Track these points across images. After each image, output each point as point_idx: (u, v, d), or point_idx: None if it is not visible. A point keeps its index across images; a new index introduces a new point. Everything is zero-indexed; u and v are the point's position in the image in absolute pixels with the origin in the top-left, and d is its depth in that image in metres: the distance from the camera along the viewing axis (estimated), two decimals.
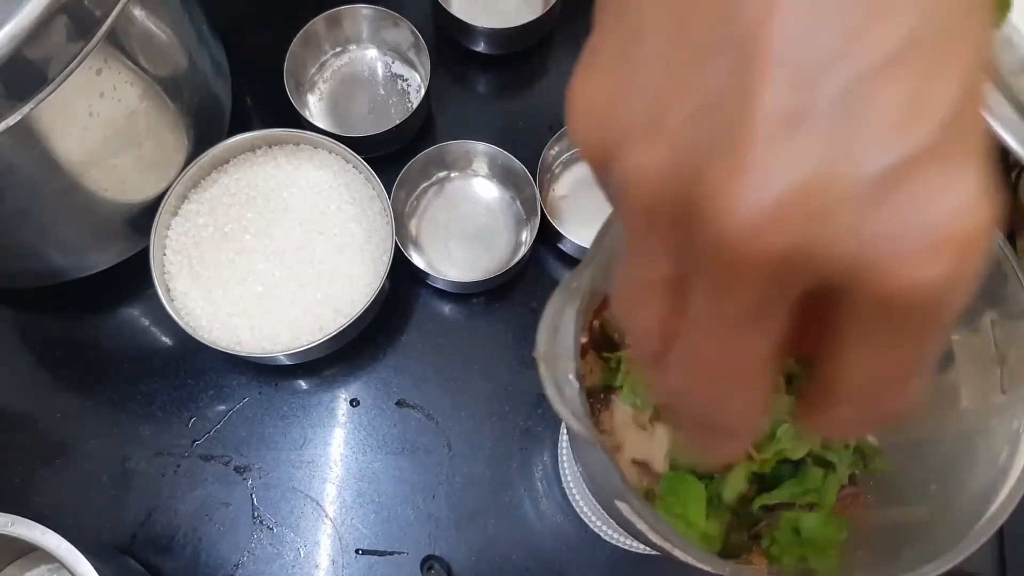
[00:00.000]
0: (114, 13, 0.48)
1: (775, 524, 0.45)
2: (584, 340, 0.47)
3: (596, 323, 0.48)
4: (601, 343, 0.48)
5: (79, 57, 0.48)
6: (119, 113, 0.55)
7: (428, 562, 0.63)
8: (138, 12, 0.54)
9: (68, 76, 0.48)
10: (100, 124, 0.54)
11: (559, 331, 0.37)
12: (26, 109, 0.47)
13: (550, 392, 0.36)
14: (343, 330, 0.61)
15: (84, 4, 0.47)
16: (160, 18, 0.57)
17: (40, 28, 0.44)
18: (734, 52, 0.19)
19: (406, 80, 0.74)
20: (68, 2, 0.45)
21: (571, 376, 0.37)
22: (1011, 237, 0.69)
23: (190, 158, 0.64)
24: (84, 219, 0.62)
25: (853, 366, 0.22)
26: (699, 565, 0.38)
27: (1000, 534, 0.64)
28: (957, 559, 0.37)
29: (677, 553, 0.39)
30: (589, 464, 0.46)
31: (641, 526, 0.39)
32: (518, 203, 0.71)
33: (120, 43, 0.53)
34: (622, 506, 0.39)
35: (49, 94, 0.47)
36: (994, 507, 0.37)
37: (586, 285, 0.38)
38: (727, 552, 0.46)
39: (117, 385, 0.68)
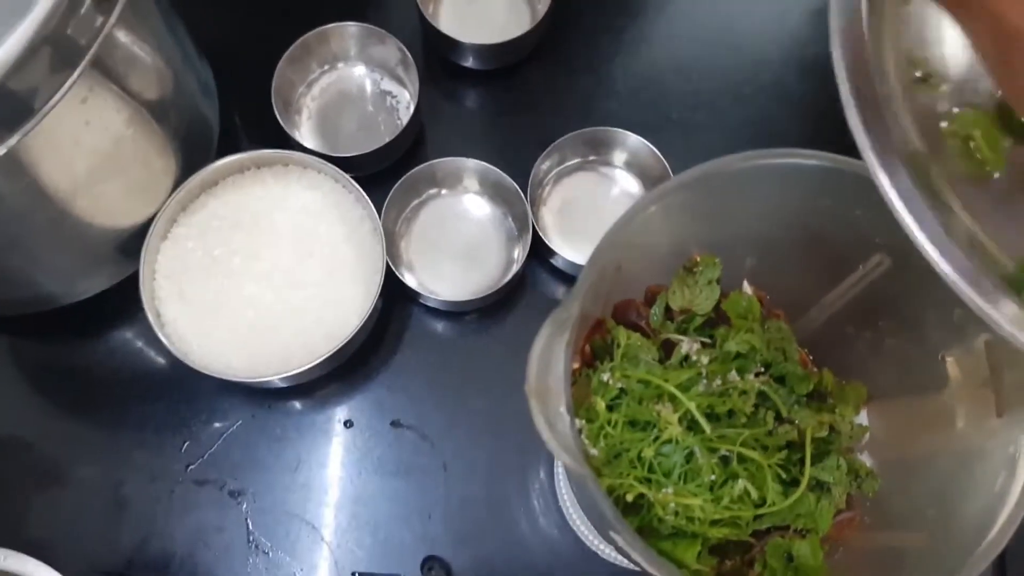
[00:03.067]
0: (98, 42, 0.48)
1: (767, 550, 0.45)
2: (576, 366, 0.47)
3: (588, 347, 0.48)
4: (593, 365, 0.48)
5: (64, 87, 0.47)
6: (106, 140, 0.55)
7: (428, 563, 0.63)
8: (122, 38, 0.54)
9: (54, 106, 0.47)
10: (87, 152, 0.54)
11: (549, 364, 0.37)
12: (12, 141, 0.46)
13: (541, 427, 0.36)
14: (336, 352, 0.61)
15: (67, 34, 0.46)
16: (145, 42, 0.57)
17: (24, 60, 0.44)
18: None
19: (395, 97, 0.73)
20: (51, 33, 0.45)
21: (562, 409, 0.37)
22: None
23: (178, 181, 0.64)
24: (73, 246, 0.61)
25: None
26: None
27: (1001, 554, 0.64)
28: None
29: None
30: (583, 496, 0.46)
31: (635, 557, 0.38)
32: (510, 219, 0.70)
33: (106, 69, 0.53)
34: (615, 537, 0.39)
35: (35, 125, 0.47)
36: (992, 534, 0.37)
37: (575, 316, 0.38)
38: None
39: (110, 410, 0.67)
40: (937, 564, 0.38)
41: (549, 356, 0.37)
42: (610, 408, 0.44)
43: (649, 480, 0.42)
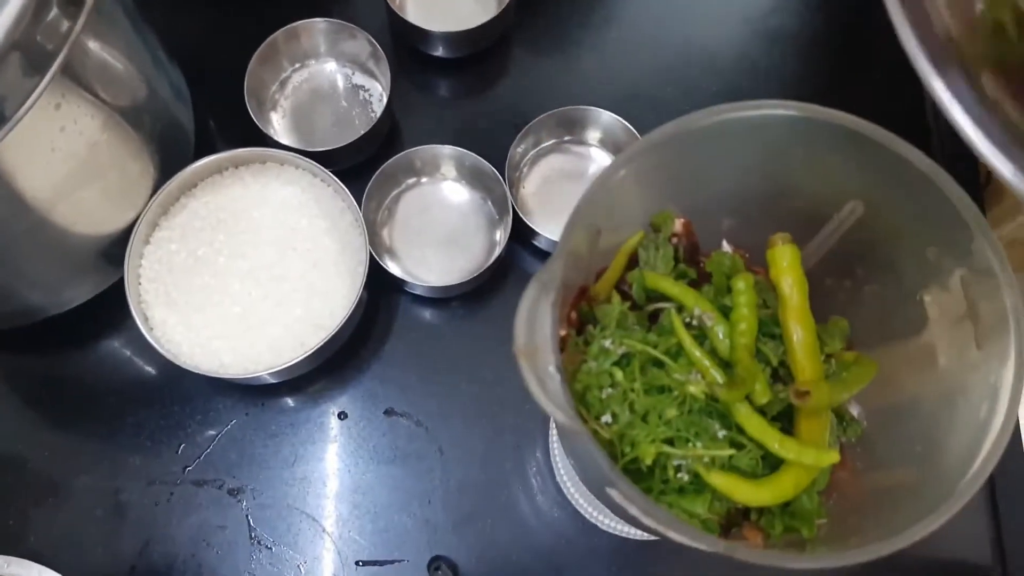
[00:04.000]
0: (67, 46, 0.48)
1: None
2: (563, 333, 0.47)
3: (574, 314, 0.48)
4: (582, 331, 0.49)
5: (36, 92, 0.47)
6: (81, 146, 0.55)
7: (435, 562, 0.63)
8: (92, 43, 0.54)
9: (26, 113, 0.47)
10: (63, 158, 0.54)
11: (536, 324, 0.37)
12: None
13: (532, 386, 0.36)
14: (325, 344, 0.61)
15: (36, 39, 0.47)
16: (115, 47, 0.57)
17: None
18: None
19: (367, 90, 0.74)
20: (19, 39, 0.45)
21: (552, 368, 0.37)
22: (976, 196, 0.70)
23: (157, 185, 0.64)
24: (56, 255, 0.61)
25: None
26: (694, 544, 0.38)
27: (998, 525, 0.65)
28: (946, 516, 0.37)
29: (671, 535, 0.39)
30: (578, 454, 0.46)
31: (633, 511, 0.39)
32: (489, 203, 0.71)
33: (76, 75, 0.53)
34: (613, 493, 0.39)
35: (8, 132, 0.47)
36: (978, 463, 0.38)
37: (558, 277, 0.38)
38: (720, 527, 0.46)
39: (104, 418, 0.67)
40: (927, 496, 0.38)
41: (535, 317, 0.37)
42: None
43: (672, 442, 0.43)
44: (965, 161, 0.73)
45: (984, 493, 0.67)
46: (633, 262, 0.50)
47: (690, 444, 0.43)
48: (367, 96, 0.74)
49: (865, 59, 0.79)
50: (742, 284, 0.46)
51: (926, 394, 0.45)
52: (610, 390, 0.44)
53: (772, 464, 0.45)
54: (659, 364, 0.45)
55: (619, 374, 0.44)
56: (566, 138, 0.73)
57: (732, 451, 0.43)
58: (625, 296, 0.49)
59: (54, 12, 0.48)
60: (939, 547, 0.66)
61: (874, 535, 0.38)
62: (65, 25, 0.48)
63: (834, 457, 0.43)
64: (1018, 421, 0.39)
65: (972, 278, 0.41)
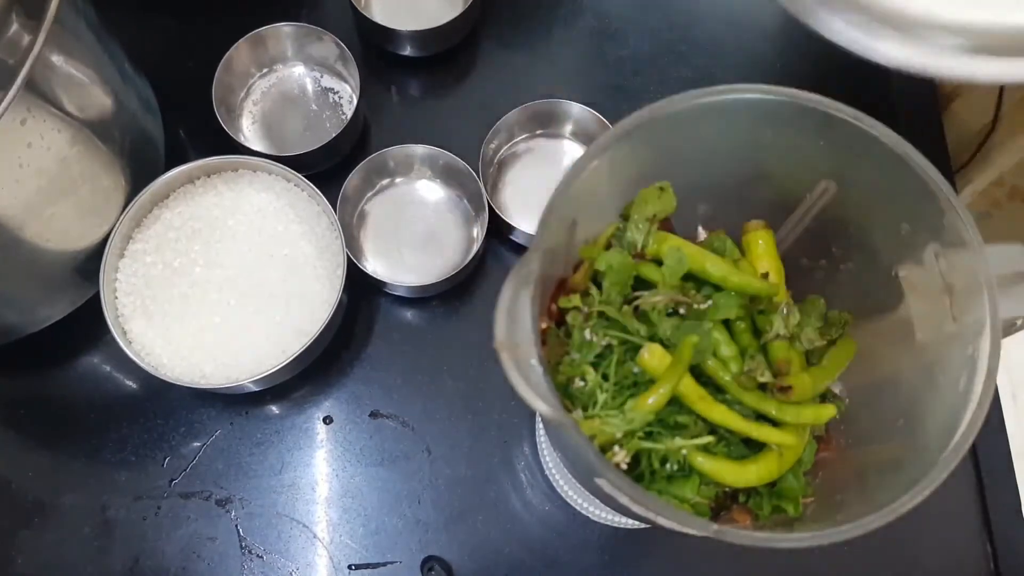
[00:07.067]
0: (29, 61, 0.47)
1: None
2: (544, 325, 0.47)
3: (554, 307, 0.48)
4: (562, 323, 0.49)
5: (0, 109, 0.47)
6: (50, 161, 0.55)
7: (428, 563, 0.63)
8: (55, 58, 0.54)
9: None
10: (32, 175, 0.54)
11: (516, 318, 0.37)
12: None
13: (514, 380, 0.36)
14: (306, 349, 0.61)
15: None
16: (79, 61, 0.57)
17: None
18: None
19: (337, 93, 0.73)
20: None
21: (533, 361, 0.37)
22: (947, 172, 0.71)
23: (129, 198, 0.64)
24: (30, 273, 0.61)
25: None
26: (685, 529, 0.39)
27: (983, 498, 0.66)
28: (929, 488, 0.37)
29: (662, 520, 0.39)
30: (564, 446, 0.46)
31: (623, 499, 0.39)
32: (465, 201, 0.71)
33: (41, 91, 0.52)
34: (602, 482, 0.40)
35: None
36: (959, 433, 0.38)
37: (536, 270, 0.38)
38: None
39: (87, 435, 0.67)
40: (911, 469, 0.39)
41: (515, 311, 0.37)
42: (595, 365, 0.45)
43: (651, 434, 0.43)
44: (932, 139, 0.74)
45: (968, 466, 0.67)
46: None
47: (666, 437, 0.43)
48: (337, 99, 0.73)
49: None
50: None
51: (906, 368, 0.45)
52: (581, 383, 0.44)
53: (756, 446, 0.45)
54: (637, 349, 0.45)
55: (590, 373, 0.44)
56: (538, 132, 0.73)
57: (711, 438, 0.43)
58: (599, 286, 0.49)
59: (14, 27, 0.48)
60: (928, 523, 0.66)
61: (860, 511, 0.38)
62: (26, 40, 0.48)
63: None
64: (996, 390, 0.39)
65: (945, 253, 0.41)
